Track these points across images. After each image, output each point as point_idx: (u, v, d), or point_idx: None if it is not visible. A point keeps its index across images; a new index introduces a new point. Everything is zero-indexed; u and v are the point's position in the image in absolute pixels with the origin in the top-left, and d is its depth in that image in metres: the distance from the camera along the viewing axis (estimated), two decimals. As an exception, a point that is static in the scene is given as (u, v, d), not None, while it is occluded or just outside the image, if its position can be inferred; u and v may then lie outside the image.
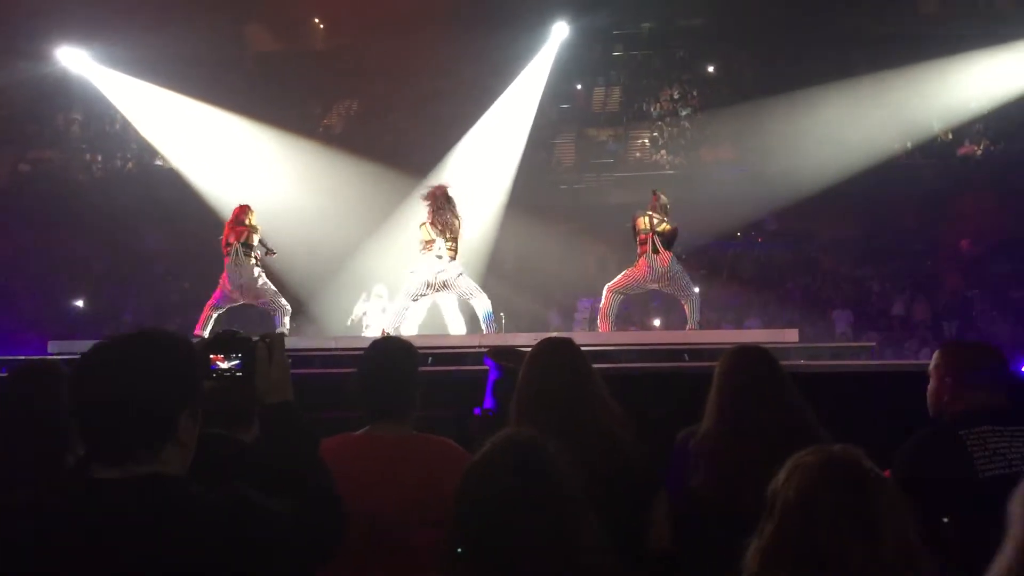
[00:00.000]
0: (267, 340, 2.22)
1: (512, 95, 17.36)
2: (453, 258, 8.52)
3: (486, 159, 16.99)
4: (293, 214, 15.11)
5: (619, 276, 8.84)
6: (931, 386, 3.09)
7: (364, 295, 11.39)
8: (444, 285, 8.57)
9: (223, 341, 2.27)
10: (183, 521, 1.72)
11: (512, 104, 17.39)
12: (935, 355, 3.15)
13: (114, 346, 1.85)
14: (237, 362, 2.22)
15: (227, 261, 8.99)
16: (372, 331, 10.60)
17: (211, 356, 2.22)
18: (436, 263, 8.46)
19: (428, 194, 8.59)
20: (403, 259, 9.58)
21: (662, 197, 8.86)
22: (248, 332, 2.32)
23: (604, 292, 8.82)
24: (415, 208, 9.72)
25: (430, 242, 8.53)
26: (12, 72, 17.52)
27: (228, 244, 9.00)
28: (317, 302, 14.50)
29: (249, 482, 1.91)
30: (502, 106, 17.43)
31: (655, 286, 8.86)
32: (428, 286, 8.55)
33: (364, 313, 11.09)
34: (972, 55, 17.01)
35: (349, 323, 11.13)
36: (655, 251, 8.54)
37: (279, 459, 2.11)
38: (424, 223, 8.59)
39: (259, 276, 9.01)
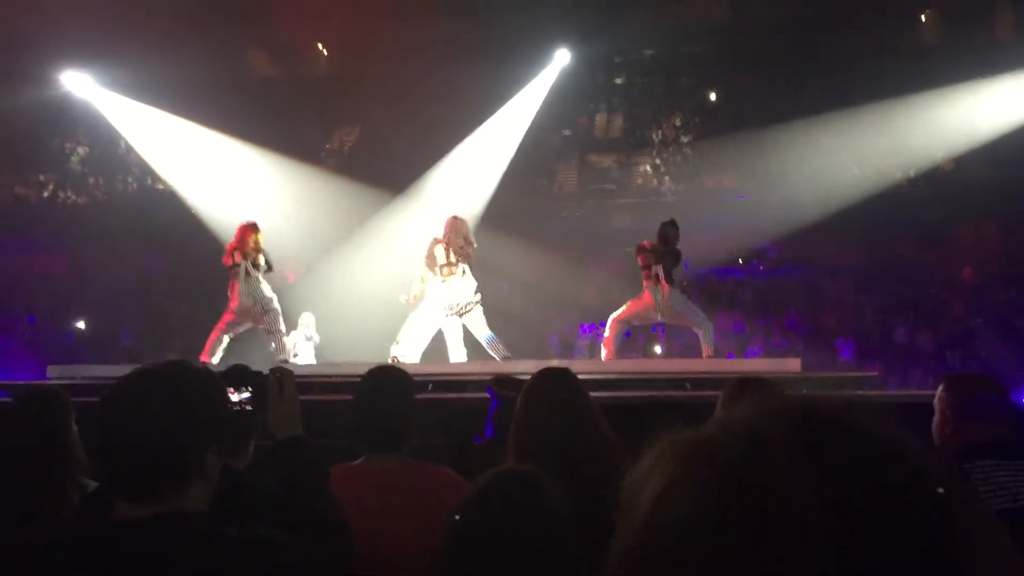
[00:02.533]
0: (278, 374, 2.23)
1: (503, 117, 17.53)
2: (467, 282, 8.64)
3: (471, 180, 17.18)
4: (292, 238, 15.13)
5: (624, 307, 8.82)
6: (935, 419, 3.08)
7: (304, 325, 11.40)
8: (463, 309, 8.64)
9: (235, 374, 2.29)
10: (208, 559, 1.69)
11: (502, 126, 17.56)
12: (939, 388, 3.13)
13: (142, 381, 1.79)
14: (248, 395, 2.24)
15: (235, 283, 8.75)
16: (302, 360, 10.53)
17: None
18: (458, 286, 8.55)
19: (449, 222, 8.74)
20: (398, 279, 9.61)
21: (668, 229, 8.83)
22: (259, 366, 2.34)
23: (609, 322, 8.81)
24: (409, 229, 9.74)
25: (446, 265, 8.62)
26: (15, 95, 17.60)
27: (235, 264, 8.77)
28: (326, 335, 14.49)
29: (254, 513, 1.90)
30: (492, 128, 17.61)
31: (659, 318, 8.84)
32: (448, 308, 8.61)
33: (294, 343, 10.87)
34: (973, 84, 17.08)
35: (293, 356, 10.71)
36: (656, 280, 8.53)
37: (289, 492, 2.10)
38: (440, 242, 8.69)
39: (272, 297, 8.80)
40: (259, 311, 8.74)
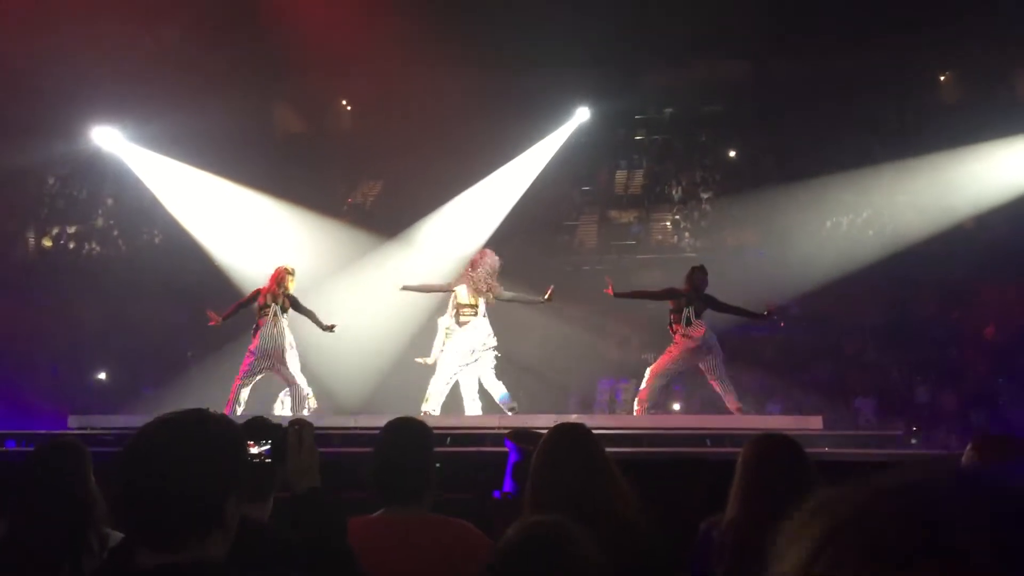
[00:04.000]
0: (297, 427, 2.26)
1: (513, 169, 17.78)
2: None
3: (480, 230, 17.36)
4: (316, 293, 15.20)
5: (660, 357, 8.76)
6: (963, 477, 3.05)
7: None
8: (478, 354, 8.61)
9: (255, 427, 2.32)
10: None
11: (513, 178, 17.85)
12: (967, 447, 3.11)
13: (163, 428, 1.80)
14: (267, 448, 2.27)
15: (261, 324, 8.75)
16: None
17: None
18: (477, 327, 8.52)
19: (480, 254, 8.74)
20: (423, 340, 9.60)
21: (698, 275, 8.85)
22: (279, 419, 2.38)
23: (647, 374, 8.73)
24: (414, 277, 9.74)
25: (468, 307, 8.58)
26: (44, 150, 17.91)
27: (265, 305, 8.77)
28: (338, 381, 14.47)
29: (272, 565, 1.90)
30: (501, 179, 17.93)
31: (697, 362, 8.73)
32: (472, 352, 8.56)
33: (282, 402, 10.69)
34: (994, 142, 17.11)
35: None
36: (688, 323, 8.49)
37: (307, 545, 2.12)
38: (462, 280, 8.67)
39: (292, 346, 8.78)
40: (279, 353, 8.71)
